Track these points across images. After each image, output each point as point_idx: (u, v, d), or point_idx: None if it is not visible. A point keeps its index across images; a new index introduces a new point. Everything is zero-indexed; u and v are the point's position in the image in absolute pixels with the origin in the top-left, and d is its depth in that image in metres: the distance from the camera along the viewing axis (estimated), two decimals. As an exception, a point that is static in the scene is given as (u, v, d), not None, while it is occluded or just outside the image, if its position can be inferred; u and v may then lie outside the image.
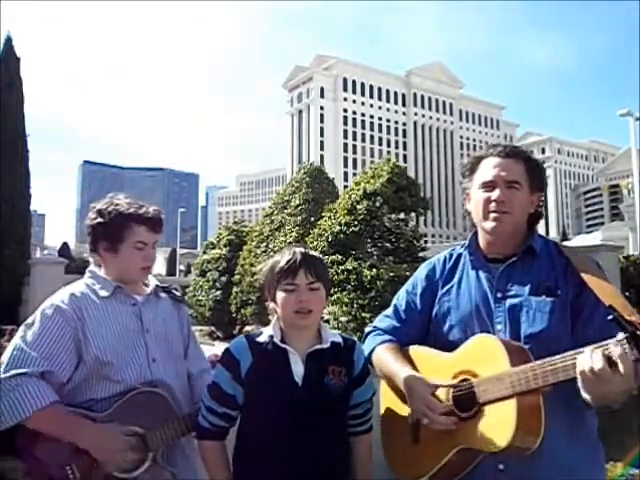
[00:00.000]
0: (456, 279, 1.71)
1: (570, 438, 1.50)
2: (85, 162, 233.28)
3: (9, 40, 16.62)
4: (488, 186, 1.62)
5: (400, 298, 1.83)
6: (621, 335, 1.22)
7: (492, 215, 1.60)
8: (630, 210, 28.82)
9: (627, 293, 9.23)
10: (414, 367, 1.64)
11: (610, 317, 1.23)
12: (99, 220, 1.80)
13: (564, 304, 1.53)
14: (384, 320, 1.83)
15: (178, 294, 2.03)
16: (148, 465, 1.67)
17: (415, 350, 1.69)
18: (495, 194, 1.59)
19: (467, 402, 1.46)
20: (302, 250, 1.62)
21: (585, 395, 1.31)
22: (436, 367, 1.59)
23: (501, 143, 1.72)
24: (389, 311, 1.84)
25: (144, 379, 1.75)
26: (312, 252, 1.65)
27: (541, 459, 1.43)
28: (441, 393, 1.52)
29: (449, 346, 1.59)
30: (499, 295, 1.60)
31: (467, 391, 1.47)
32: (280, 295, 1.59)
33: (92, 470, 1.63)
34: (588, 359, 1.26)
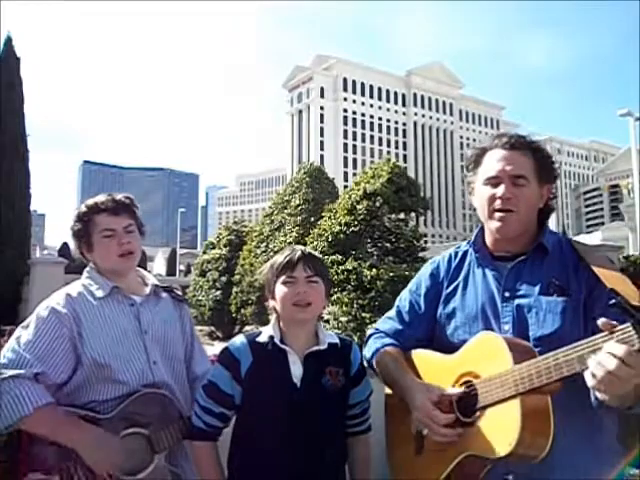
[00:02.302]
0: (461, 278, 1.62)
1: (586, 446, 1.39)
2: (85, 162, 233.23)
3: (9, 40, 16.63)
4: (493, 182, 1.52)
5: (403, 299, 1.74)
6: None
7: (497, 215, 1.50)
8: (630, 210, 28.83)
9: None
10: (416, 372, 1.58)
11: (612, 302, 1.12)
12: (71, 227, 1.85)
13: (577, 304, 1.43)
14: (387, 322, 1.75)
15: (180, 294, 2.01)
16: (153, 467, 1.65)
17: (417, 354, 1.62)
18: (500, 191, 1.49)
19: (471, 405, 1.38)
20: (301, 248, 1.65)
21: (600, 395, 1.18)
22: (439, 371, 1.52)
23: (507, 133, 1.59)
24: (392, 313, 1.75)
25: (146, 381, 1.73)
26: (312, 251, 1.67)
27: (553, 469, 1.33)
28: (444, 399, 1.45)
29: (454, 348, 1.51)
30: (507, 294, 1.50)
31: (470, 394, 1.40)
32: (279, 289, 1.59)
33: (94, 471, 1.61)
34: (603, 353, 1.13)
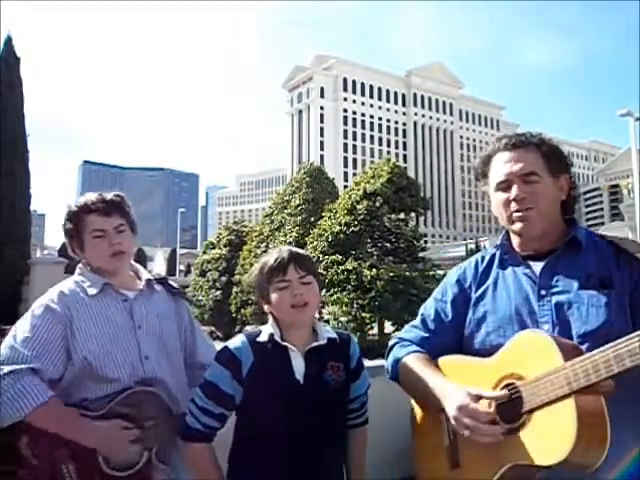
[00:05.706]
0: (491, 280, 1.54)
1: (636, 441, 1.28)
2: (85, 162, 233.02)
3: (9, 40, 16.63)
4: (504, 186, 1.47)
5: (428, 307, 1.66)
6: None
7: (516, 215, 1.44)
8: (630, 210, 28.85)
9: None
10: (448, 378, 1.47)
11: None
12: (63, 225, 1.83)
13: (621, 296, 1.35)
14: (411, 331, 1.66)
15: (175, 286, 1.97)
16: (143, 463, 1.65)
17: (447, 360, 1.52)
18: (513, 193, 1.44)
19: (513, 411, 1.26)
20: (288, 248, 1.63)
21: None
22: (474, 376, 1.40)
23: (507, 134, 1.54)
24: (416, 321, 1.68)
25: (137, 377, 1.71)
26: (299, 250, 1.65)
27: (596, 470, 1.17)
28: (482, 404, 1.31)
29: (486, 355, 1.43)
30: (543, 292, 1.42)
31: (513, 398, 1.27)
32: (274, 295, 1.57)
33: (88, 469, 1.61)
34: None
